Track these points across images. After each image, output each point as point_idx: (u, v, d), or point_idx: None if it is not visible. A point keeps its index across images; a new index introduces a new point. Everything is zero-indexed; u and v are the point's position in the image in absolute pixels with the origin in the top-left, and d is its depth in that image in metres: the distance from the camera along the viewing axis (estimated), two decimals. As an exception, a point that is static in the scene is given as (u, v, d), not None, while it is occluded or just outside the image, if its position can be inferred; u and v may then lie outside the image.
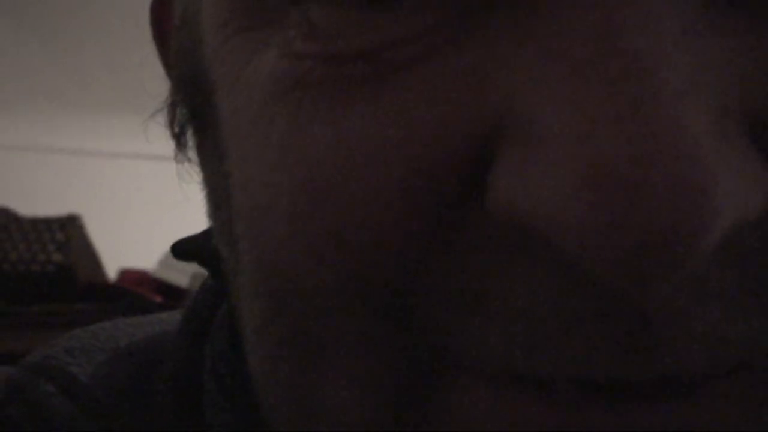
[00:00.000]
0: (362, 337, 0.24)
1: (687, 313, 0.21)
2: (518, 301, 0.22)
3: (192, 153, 0.34)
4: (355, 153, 0.23)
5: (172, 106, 0.34)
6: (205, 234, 0.36)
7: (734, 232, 0.20)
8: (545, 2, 0.21)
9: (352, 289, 0.24)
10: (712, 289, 0.21)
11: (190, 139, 0.34)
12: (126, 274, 2.19)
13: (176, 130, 0.34)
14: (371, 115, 0.23)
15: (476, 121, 0.22)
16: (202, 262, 0.37)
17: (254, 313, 0.27)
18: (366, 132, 0.23)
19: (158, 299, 2.03)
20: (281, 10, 0.25)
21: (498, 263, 0.22)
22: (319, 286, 0.24)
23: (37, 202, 2.29)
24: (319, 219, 0.24)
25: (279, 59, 0.25)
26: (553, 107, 0.20)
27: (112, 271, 2.16)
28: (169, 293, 2.09)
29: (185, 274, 2.09)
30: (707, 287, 0.21)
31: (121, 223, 3.05)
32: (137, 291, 2.00)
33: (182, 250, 0.39)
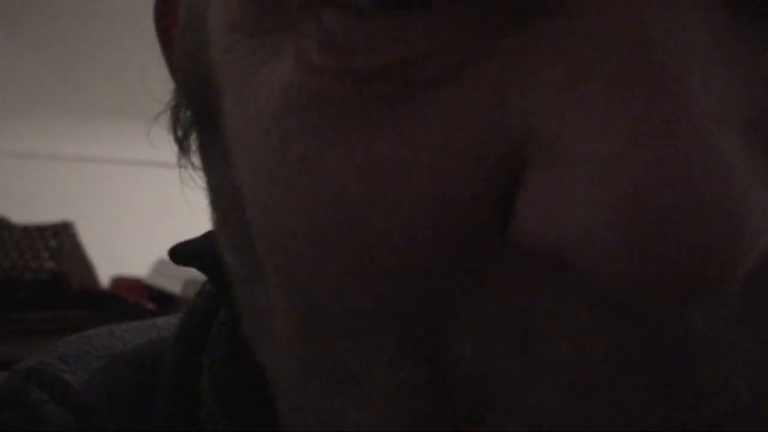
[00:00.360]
0: (390, 368, 0.24)
1: (724, 345, 0.21)
2: (565, 346, 0.21)
3: (195, 157, 0.34)
4: (382, 178, 0.22)
5: (176, 109, 0.33)
6: (205, 238, 0.35)
7: (764, 259, 0.20)
8: (573, 20, 0.21)
9: (380, 316, 0.23)
10: (740, 317, 0.21)
11: (194, 143, 0.33)
12: (119, 281, 2.19)
13: (179, 133, 0.33)
14: (394, 139, 0.22)
15: (502, 144, 0.21)
16: (201, 267, 0.37)
17: (285, 331, 0.26)
18: (390, 157, 0.22)
19: (151, 306, 2.03)
20: (294, 14, 0.24)
21: (533, 298, 0.21)
22: (348, 311, 0.24)
23: (29, 209, 2.28)
24: (347, 245, 0.23)
25: (294, 71, 0.24)
26: (581, 128, 0.20)
27: (105, 278, 2.16)
28: (162, 300, 2.09)
29: (178, 281, 2.09)
30: (738, 317, 0.21)
31: (114, 230, 3.04)
32: (130, 298, 2.00)
33: (181, 254, 0.38)
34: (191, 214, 0.35)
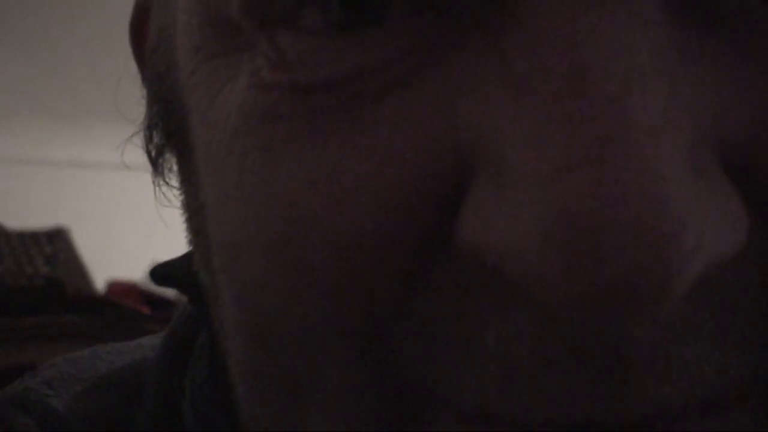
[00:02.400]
0: (342, 376, 0.24)
1: (662, 351, 0.21)
2: (492, 343, 0.22)
3: (171, 175, 0.34)
4: (325, 191, 0.23)
5: (149, 129, 0.34)
6: (185, 258, 0.36)
7: (709, 270, 0.20)
8: (515, 35, 0.21)
9: (329, 327, 0.24)
10: (687, 327, 0.21)
11: (169, 162, 0.34)
12: (114, 286, 2.18)
13: (153, 153, 0.34)
14: (341, 150, 0.23)
15: (447, 155, 0.22)
16: (181, 288, 0.37)
17: (236, 347, 0.27)
18: (337, 169, 0.23)
19: (146, 310, 2.02)
20: (251, 36, 0.25)
21: (472, 303, 0.22)
22: (296, 324, 0.24)
23: (23, 215, 2.28)
24: (294, 258, 0.24)
25: (248, 90, 0.25)
26: (521, 145, 0.20)
27: (100, 282, 2.15)
28: (158, 304, 2.08)
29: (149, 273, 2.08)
30: (682, 325, 0.21)
31: (109, 234, 3.04)
32: (125, 303, 2.00)
33: (161, 275, 0.39)
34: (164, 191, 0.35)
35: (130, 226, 3.17)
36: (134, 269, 2.21)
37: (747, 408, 0.23)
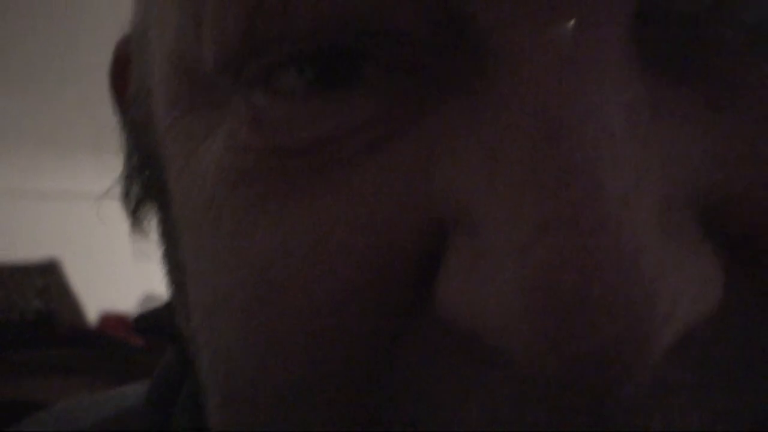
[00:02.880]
0: None
1: (646, 411, 0.21)
2: (475, 412, 0.22)
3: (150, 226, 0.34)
4: (299, 256, 0.23)
5: (128, 179, 0.34)
6: (167, 308, 0.36)
7: (687, 330, 0.20)
8: (489, 98, 0.21)
9: (303, 394, 0.23)
10: (670, 386, 0.21)
11: (148, 214, 0.34)
12: (107, 318, 2.18)
13: (132, 204, 0.34)
14: (317, 215, 0.23)
15: (424, 218, 0.22)
16: (165, 338, 0.37)
17: (214, 406, 0.27)
18: (311, 234, 0.23)
19: (139, 342, 2.02)
20: (227, 93, 0.25)
21: (453, 367, 0.22)
22: (271, 390, 0.24)
23: (13, 247, 2.27)
24: (267, 323, 0.23)
25: (225, 151, 0.24)
26: (496, 213, 0.20)
27: (93, 315, 2.15)
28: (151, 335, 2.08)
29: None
30: (665, 384, 0.21)
31: (101, 266, 3.03)
32: (118, 335, 1.99)
33: (144, 325, 0.39)
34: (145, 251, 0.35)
35: (122, 257, 3.17)
36: (127, 301, 2.20)
37: None
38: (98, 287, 2.38)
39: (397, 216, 0.22)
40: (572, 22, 0.20)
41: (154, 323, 0.38)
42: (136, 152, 0.33)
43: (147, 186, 0.32)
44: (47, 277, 1.90)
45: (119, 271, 3.00)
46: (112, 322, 2.15)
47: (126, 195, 0.34)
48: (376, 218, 0.22)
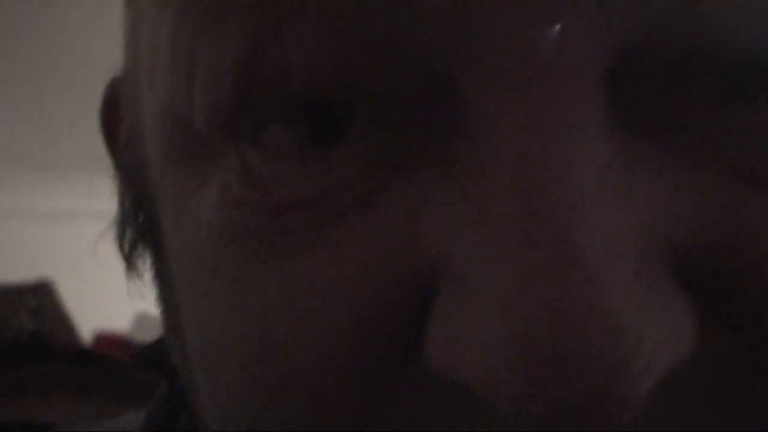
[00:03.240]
0: None
1: None
2: None
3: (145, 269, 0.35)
4: (293, 308, 0.24)
5: (122, 223, 0.35)
6: (163, 342, 0.36)
7: (666, 377, 0.21)
8: (471, 155, 0.22)
9: None
10: (649, 428, 0.22)
11: (142, 257, 0.34)
12: (100, 338, 2.17)
13: (126, 247, 0.35)
14: (309, 268, 0.24)
15: (412, 271, 0.23)
16: (161, 371, 0.38)
17: None
18: (304, 287, 0.24)
19: (133, 361, 2.01)
20: (219, 147, 0.25)
21: (443, 416, 0.23)
22: None
23: (6, 268, 2.27)
24: (266, 374, 0.24)
25: (218, 207, 0.25)
26: (481, 264, 0.21)
27: (87, 334, 2.14)
28: (145, 354, 2.07)
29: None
30: (645, 427, 0.22)
31: (94, 285, 3.03)
32: (112, 355, 1.99)
33: (142, 358, 0.40)
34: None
35: (115, 276, 3.16)
36: (120, 320, 2.19)
37: None
38: (91, 307, 2.37)
39: (386, 270, 0.23)
40: (545, 85, 0.21)
41: (152, 357, 0.39)
42: (129, 194, 0.33)
43: (141, 229, 0.33)
44: (40, 297, 1.89)
45: (112, 291, 2.99)
46: (106, 341, 2.15)
47: (120, 238, 0.35)
48: (365, 273, 0.23)
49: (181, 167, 0.27)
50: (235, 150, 0.25)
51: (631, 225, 0.21)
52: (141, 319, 2.12)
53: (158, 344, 0.38)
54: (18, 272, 2.06)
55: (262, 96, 0.24)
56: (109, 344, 2.07)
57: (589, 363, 0.20)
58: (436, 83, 0.23)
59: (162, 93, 0.27)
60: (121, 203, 0.34)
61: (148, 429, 0.39)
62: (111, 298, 2.91)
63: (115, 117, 0.36)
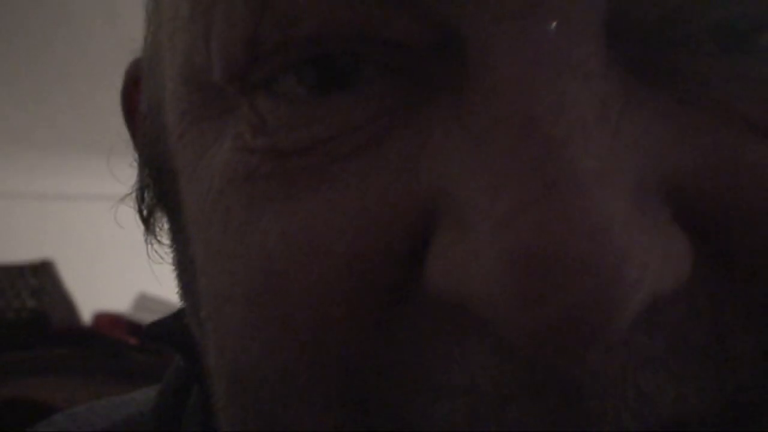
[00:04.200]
0: (319, 420, 0.26)
1: (619, 382, 0.23)
2: (459, 381, 0.23)
3: (162, 234, 0.36)
4: (299, 245, 0.25)
5: (141, 190, 0.36)
6: (176, 316, 0.37)
7: (656, 301, 0.22)
8: (474, 96, 0.23)
9: (304, 375, 0.25)
10: (642, 359, 0.23)
11: (160, 222, 0.35)
12: (101, 318, 2.17)
13: (145, 213, 0.36)
14: (313, 205, 0.25)
15: (412, 207, 0.24)
16: (173, 345, 0.39)
17: (220, 392, 0.29)
18: (308, 222, 0.25)
19: (133, 341, 2.02)
20: (234, 100, 0.27)
21: (440, 344, 0.24)
22: (273, 372, 0.26)
23: (8, 248, 2.27)
24: (270, 309, 0.25)
25: (232, 153, 0.26)
26: (480, 194, 0.22)
27: (87, 314, 2.14)
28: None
29: (160, 316, 2.08)
30: (638, 357, 0.23)
31: (94, 266, 3.02)
32: (112, 334, 1.99)
33: (154, 333, 0.41)
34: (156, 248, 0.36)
35: (115, 257, 3.16)
36: (120, 300, 2.20)
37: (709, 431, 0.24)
38: (92, 288, 2.37)
39: (389, 204, 0.24)
40: (548, 25, 0.22)
41: (163, 331, 0.40)
42: (147, 165, 0.35)
43: (159, 194, 0.34)
44: (41, 277, 1.90)
45: (113, 272, 2.99)
46: (106, 321, 2.15)
47: (139, 203, 0.36)
48: (369, 207, 0.24)
49: (198, 125, 0.29)
50: (248, 101, 0.26)
51: (629, 156, 0.22)
52: (141, 300, 2.13)
53: (170, 319, 0.39)
54: (20, 252, 2.07)
55: (271, 45, 0.25)
56: (109, 324, 2.08)
57: (580, 271, 0.20)
58: (440, 26, 0.23)
59: (181, 48, 0.29)
60: (141, 172, 0.35)
61: (162, 399, 0.40)
62: (111, 279, 2.91)
63: (135, 95, 0.37)
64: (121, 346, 1.91)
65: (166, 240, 0.36)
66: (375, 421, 0.25)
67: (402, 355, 0.24)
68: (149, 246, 0.37)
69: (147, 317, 2.09)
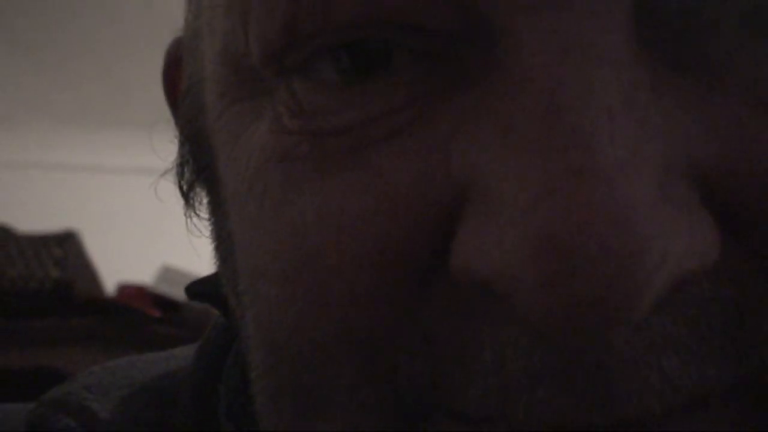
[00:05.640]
0: (350, 391, 0.26)
1: (642, 362, 0.23)
2: (489, 359, 0.24)
3: (201, 209, 0.37)
4: (332, 223, 0.26)
5: (181, 165, 0.37)
6: (216, 275, 0.38)
7: (679, 284, 0.22)
8: (503, 82, 0.23)
9: (336, 347, 0.26)
10: (666, 340, 0.23)
11: (199, 196, 0.37)
12: (124, 289, 2.19)
13: (185, 187, 0.37)
14: (347, 186, 0.25)
15: (442, 191, 0.24)
16: (214, 303, 0.40)
17: (256, 362, 0.30)
18: (342, 202, 0.25)
19: (156, 313, 2.03)
20: (271, 83, 0.28)
21: (469, 322, 0.24)
22: (307, 344, 0.27)
23: (33, 219, 2.29)
24: (304, 284, 0.26)
25: (269, 134, 0.27)
26: (507, 180, 0.22)
27: (110, 286, 2.16)
28: (168, 307, 2.09)
29: (183, 288, 2.09)
30: (661, 338, 0.23)
31: (119, 238, 3.05)
32: (135, 305, 2.00)
33: (195, 291, 0.42)
34: (195, 221, 0.37)
35: (139, 229, 3.18)
36: (144, 272, 2.21)
37: (729, 411, 0.25)
38: (116, 259, 2.39)
39: (419, 188, 0.25)
40: (577, 15, 0.23)
41: (205, 289, 0.41)
42: (187, 142, 0.36)
43: (198, 170, 0.36)
44: (66, 248, 1.91)
45: (137, 244, 3.01)
46: (129, 293, 2.16)
47: (179, 179, 0.37)
48: (401, 190, 0.25)
49: (237, 106, 0.30)
50: (285, 84, 0.27)
51: (655, 141, 0.22)
52: (165, 272, 2.14)
53: (211, 278, 0.39)
54: (45, 223, 2.08)
55: (309, 31, 0.26)
56: (133, 296, 2.09)
57: (600, 258, 0.21)
58: (471, 15, 0.24)
59: (220, 34, 0.30)
60: (181, 148, 0.36)
61: (202, 353, 0.41)
62: (136, 251, 2.93)
63: (176, 74, 0.39)
64: (143, 318, 1.92)
65: (203, 214, 0.37)
66: (401, 395, 0.26)
67: (431, 335, 0.25)
68: (188, 219, 0.37)
69: (170, 290, 2.11)
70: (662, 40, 0.24)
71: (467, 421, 0.25)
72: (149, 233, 2.99)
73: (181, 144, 0.37)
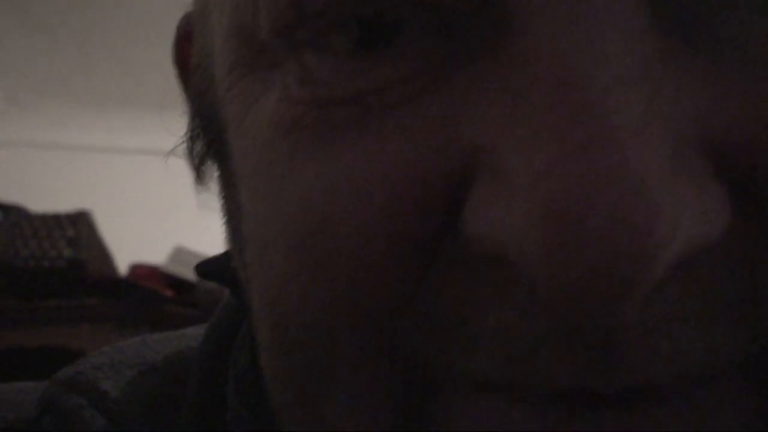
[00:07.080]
0: (358, 360, 0.26)
1: (649, 330, 0.23)
2: (494, 325, 0.24)
3: (212, 182, 0.37)
4: (340, 190, 0.25)
5: (191, 140, 0.37)
6: (226, 255, 0.38)
7: (690, 254, 0.22)
8: (513, 53, 0.23)
9: (344, 318, 0.26)
10: (676, 309, 0.23)
11: (209, 170, 0.36)
12: (137, 269, 2.20)
13: (196, 161, 0.37)
14: (355, 154, 0.25)
15: (451, 160, 0.24)
16: (224, 282, 0.40)
17: (263, 334, 0.29)
18: (350, 171, 0.25)
19: (169, 293, 2.04)
20: (280, 55, 0.27)
21: (475, 290, 0.24)
22: (314, 315, 0.26)
23: (47, 199, 2.29)
24: (312, 253, 0.26)
25: (278, 103, 0.27)
26: (517, 149, 0.22)
27: (123, 266, 2.17)
28: (180, 287, 2.10)
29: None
30: (671, 307, 0.23)
31: (132, 219, 3.05)
32: (148, 285, 2.01)
33: (204, 270, 0.41)
34: (208, 203, 0.37)
35: (152, 210, 3.18)
36: (157, 253, 2.22)
37: (737, 382, 0.24)
38: (129, 240, 2.40)
39: (428, 157, 0.24)
40: None
41: (215, 268, 0.41)
42: (197, 116, 0.36)
43: (209, 144, 0.35)
44: (78, 227, 1.92)
45: (150, 225, 3.02)
46: (141, 273, 2.17)
47: (190, 153, 0.37)
48: (409, 159, 0.24)
49: (246, 78, 0.29)
50: (294, 56, 0.27)
51: (667, 113, 0.22)
52: (177, 253, 2.14)
53: (221, 258, 0.39)
54: (58, 203, 2.09)
55: (319, 6, 0.26)
56: (145, 276, 2.09)
57: (611, 228, 0.20)
58: None
59: (229, 12, 0.30)
60: (191, 123, 0.36)
61: (211, 332, 0.40)
62: (148, 231, 2.94)
63: (187, 49, 0.38)
64: (156, 297, 1.93)
65: (215, 188, 0.37)
66: (408, 365, 0.26)
67: (438, 304, 0.25)
68: (198, 196, 0.37)
69: (183, 270, 2.12)
70: (674, 13, 0.23)
71: (473, 390, 0.25)
72: (162, 214, 2.99)
73: (192, 118, 0.36)
